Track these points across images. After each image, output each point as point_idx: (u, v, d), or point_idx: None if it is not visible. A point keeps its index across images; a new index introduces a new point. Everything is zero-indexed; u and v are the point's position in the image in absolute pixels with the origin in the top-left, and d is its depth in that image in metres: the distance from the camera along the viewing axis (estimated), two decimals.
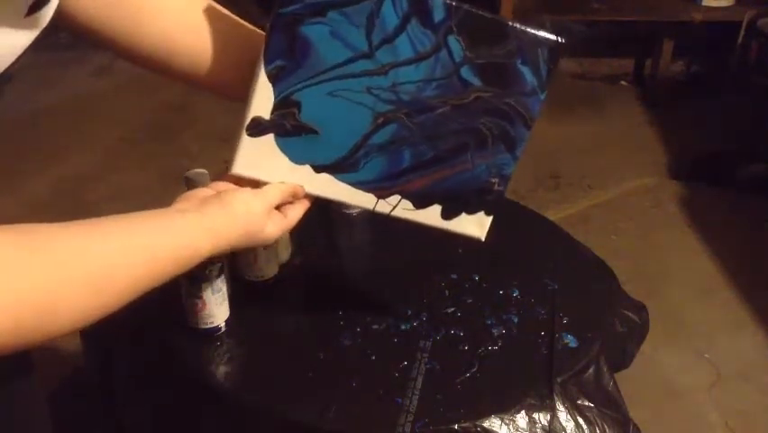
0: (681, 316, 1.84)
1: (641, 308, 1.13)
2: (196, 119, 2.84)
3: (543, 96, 0.77)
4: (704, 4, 2.84)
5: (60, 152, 2.59)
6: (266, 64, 0.69)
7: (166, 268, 0.57)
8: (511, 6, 2.82)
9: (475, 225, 0.83)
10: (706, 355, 1.72)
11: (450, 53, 0.72)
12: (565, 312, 0.99)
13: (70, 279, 0.49)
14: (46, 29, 0.54)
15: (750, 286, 1.94)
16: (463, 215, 0.82)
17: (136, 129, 2.79)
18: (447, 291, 1.03)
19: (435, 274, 1.06)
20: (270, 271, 1.01)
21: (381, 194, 0.78)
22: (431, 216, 0.81)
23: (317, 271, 1.08)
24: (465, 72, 0.74)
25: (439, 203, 0.80)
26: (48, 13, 0.53)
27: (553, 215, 2.15)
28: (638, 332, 1.11)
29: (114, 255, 0.53)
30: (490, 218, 0.82)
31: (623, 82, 3.27)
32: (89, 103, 2.99)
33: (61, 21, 0.61)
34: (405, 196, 0.79)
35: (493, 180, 0.80)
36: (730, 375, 1.66)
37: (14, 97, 2.93)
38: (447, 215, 0.81)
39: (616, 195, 2.40)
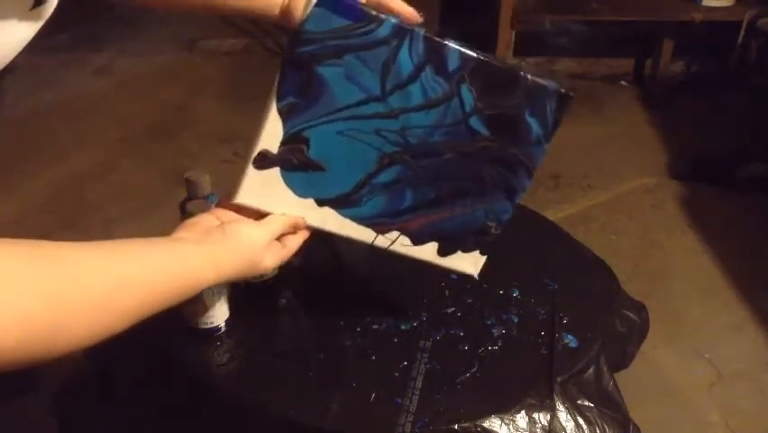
0: (681, 316, 1.84)
1: (641, 308, 1.13)
2: (196, 119, 2.84)
3: (546, 146, 0.79)
4: (704, 4, 2.83)
5: (60, 151, 2.59)
6: (278, 100, 0.69)
7: (169, 294, 0.58)
8: (511, 6, 2.81)
9: (469, 264, 0.85)
10: (706, 355, 1.71)
11: (461, 102, 0.73)
12: (565, 312, 0.99)
13: (78, 297, 0.49)
14: (45, 24, 0.55)
15: (750, 286, 1.93)
16: (459, 253, 0.84)
17: (136, 129, 2.79)
18: (447, 291, 1.03)
19: (435, 274, 1.06)
20: (270, 271, 1.01)
21: (381, 230, 0.79)
22: (427, 252, 0.83)
23: (317, 271, 1.08)
24: (474, 121, 0.75)
25: (436, 241, 0.82)
26: (51, 5, 0.54)
27: (552, 215, 2.15)
28: (638, 332, 1.11)
29: (120, 277, 0.53)
30: (484, 258, 0.85)
31: (623, 82, 3.26)
32: (89, 103, 2.99)
33: None
34: (404, 233, 0.80)
35: (490, 224, 0.83)
36: (730, 375, 1.66)
37: (15, 97, 2.93)
38: (443, 252, 0.83)
39: (616, 195, 2.40)
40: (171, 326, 0.93)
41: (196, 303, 0.89)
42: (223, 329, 0.93)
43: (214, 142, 2.61)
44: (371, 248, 0.81)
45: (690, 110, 2.97)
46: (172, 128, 2.78)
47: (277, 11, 0.82)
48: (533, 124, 0.76)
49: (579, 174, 2.49)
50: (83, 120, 2.84)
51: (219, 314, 0.91)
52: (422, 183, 0.78)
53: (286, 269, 1.05)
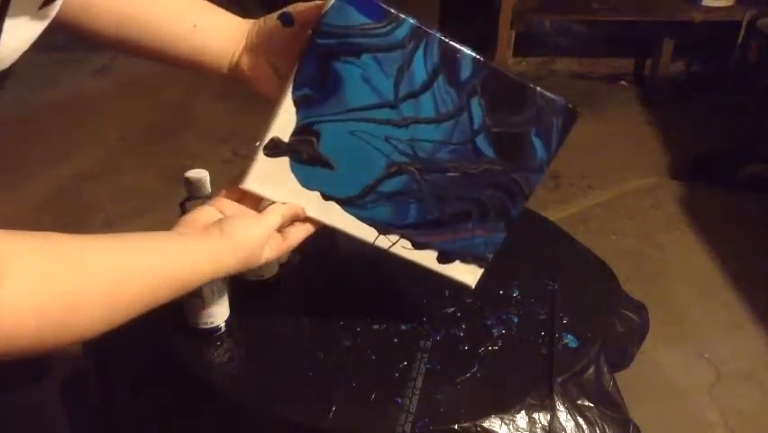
0: (681, 316, 1.84)
1: (641, 308, 1.13)
2: (196, 119, 2.84)
3: (545, 172, 0.80)
4: (704, 4, 2.84)
5: (61, 151, 2.59)
6: (294, 89, 0.70)
7: (169, 288, 0.59)
8: (511, 6, 2.81)
9: (468, 274, 0.87)
10: (706, 355, 1.72)
11: (470, 117, 0.74)
12: (565, 312, 0.99)
13: (89, 289, 0.51)
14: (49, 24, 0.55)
15: (750, 286, 1.93)
16: (457, 262, 0.85)
17: (136, 129, 2.79)
18: (447, 291, 1.03)
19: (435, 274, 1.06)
20: (270, 271, 1.01)
21: (383, 231, 0.80)
22: (427, 258, 0.84)
23: (317, 271, 1.08)
24: (480, 141, 0.76)
25: (436, 250, 0.84)
26: (57, 4, 0.54)
27: (552, 215, 2.15)
28: (638, 332, 1.10)
29: (126, 269, 0.55)
30: (482, 270, 0.87)
31: (623, 82, 3.27)
32: (89, 103, 2.99)
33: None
34: (405, 237, 0.82)
35: (489, 255, 0.85)
36: (730, 375, 1.66)
37: (15, 97, 2.93)
38: (443, 260, 0.85)
39: (616, 195, 2.40)
40: (171, 326, 0.93)
41: (196, 298, 0.89)
42: (223, 329, 0.93)
43: (214, 142, 2.61)
44: (372, 247, 0.81)
45: (690, 110, 2.98)
46: (172, 128, 2.78)
47: (225, 68, 0.77)
48: (537, 146, 0.77)
49: (579, 174, 2.49)
50: (83, 120, 2.85)
51: (219, 314, 0.92)
52: (426, 199, 0.78)
53: (286, 269, 1.06)
